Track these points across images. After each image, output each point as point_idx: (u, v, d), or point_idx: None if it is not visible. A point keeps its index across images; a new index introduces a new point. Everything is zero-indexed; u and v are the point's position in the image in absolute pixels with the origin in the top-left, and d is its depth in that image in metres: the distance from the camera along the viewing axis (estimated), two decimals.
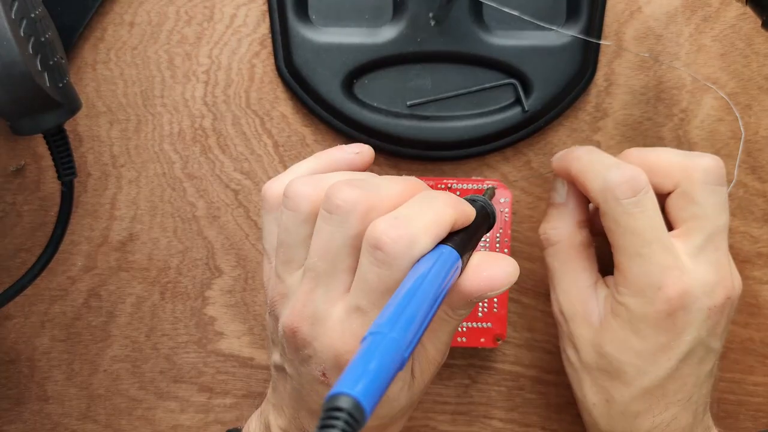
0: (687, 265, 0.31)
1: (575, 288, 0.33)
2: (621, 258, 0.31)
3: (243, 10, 0.37)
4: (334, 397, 0.18)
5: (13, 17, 0.29)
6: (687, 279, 0.30)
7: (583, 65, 0.37)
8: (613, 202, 0.30)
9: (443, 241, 0.26)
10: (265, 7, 0.37)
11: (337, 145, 0.32)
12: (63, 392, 0.40)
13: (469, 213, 0.28)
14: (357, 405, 0.18)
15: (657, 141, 0.38)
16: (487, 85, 0.37)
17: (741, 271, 0.40)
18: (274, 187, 0.30)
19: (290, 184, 0.28)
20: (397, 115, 0.37)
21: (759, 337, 0.40)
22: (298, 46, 0.36)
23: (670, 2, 0.38)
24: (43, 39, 0.31)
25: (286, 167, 0.38)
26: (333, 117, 0.37)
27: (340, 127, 0.37)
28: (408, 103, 0.37)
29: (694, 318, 0.31)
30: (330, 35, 0.37)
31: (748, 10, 0.30)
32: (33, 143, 0.38)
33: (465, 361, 0.40)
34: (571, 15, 0.37)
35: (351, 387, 0.18)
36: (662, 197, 0.32)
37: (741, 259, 0.39)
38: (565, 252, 0.34)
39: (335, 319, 0.27)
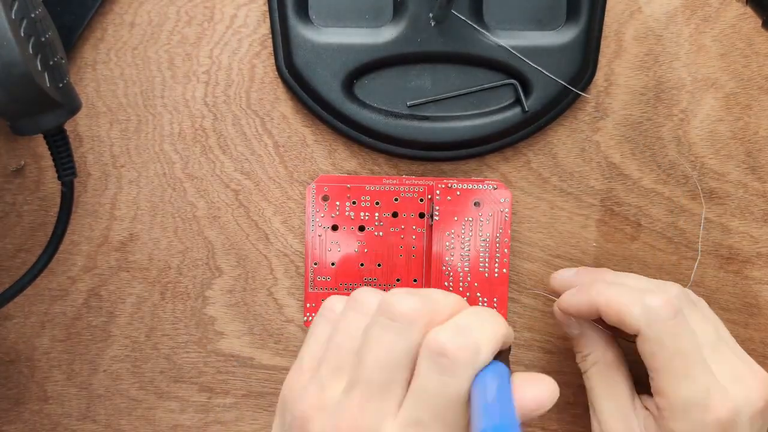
0: (722, 382, 0.31)
1: (615, 405, 0.33)
2: (664, 381, 0.31)
3: (243, 10, 0.37)
4: None
5: (14, 17, 0.29)
6: (730, 396, 0.30)
7: (583, 65, 0.37)
8: (657, 324, 0.30)
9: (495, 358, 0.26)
10: (266, 8, 0.37)
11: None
12: (63, 392, 0.40)
13: (511, 335, 0.28)
14: None
15: (657, 141, 0.38)
16: (487, 85, 0.37)
17: (741, 271, 0.40)
18: (340, 299, 0.29)
19: (361, 291, 0.28)
20: (397, 115, 0.37)
21: (759, 337, 0.40)
22: (298, 47, 0.36)
23: (670, 2, 0.38)
24: (43, 39, 0.31)
25: (286, 167, 0.38)
26: (333, 117, 0.37)
27: (341, 127, 0.38)
28: (408, 103, 0.37)
29: (743, 430, 0.31)
30: (330, 35, 0.37)
31: (748, 10, 0.30)
32: (33, 143, 0.38)
33: None
34: (571, 15, 0.37)
35: None
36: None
37: (741, 259, 0.39)
38: (602, 372, 0.34)
39: None
